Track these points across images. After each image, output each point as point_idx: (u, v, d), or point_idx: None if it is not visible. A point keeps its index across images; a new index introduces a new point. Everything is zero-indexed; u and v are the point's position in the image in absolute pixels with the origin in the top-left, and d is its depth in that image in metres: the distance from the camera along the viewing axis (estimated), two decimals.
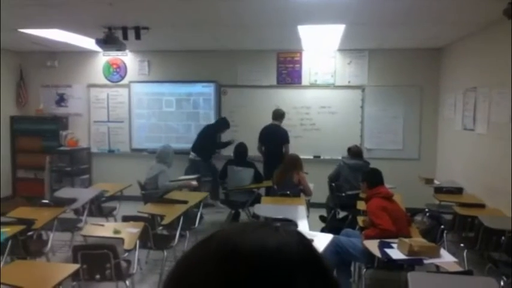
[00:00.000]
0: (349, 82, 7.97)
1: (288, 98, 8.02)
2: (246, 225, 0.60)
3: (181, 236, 4.97)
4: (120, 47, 6.20)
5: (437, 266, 3.60)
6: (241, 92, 8.17)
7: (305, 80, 8.07)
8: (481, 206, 5.11)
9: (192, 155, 7.48)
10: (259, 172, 6.75)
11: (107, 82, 8.53)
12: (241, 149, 6.90)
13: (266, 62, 8.10)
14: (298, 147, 7.41)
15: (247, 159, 6.80)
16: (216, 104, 8.24)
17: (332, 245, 4.10)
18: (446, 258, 3.64)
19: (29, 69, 8.61)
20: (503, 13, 4.44)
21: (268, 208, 5.25)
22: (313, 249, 0.59)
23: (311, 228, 4.72)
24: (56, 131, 8.37)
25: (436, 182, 6.58)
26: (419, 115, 7.84)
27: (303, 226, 4.51)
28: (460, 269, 3.52)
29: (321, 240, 3.99)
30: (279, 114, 7.37)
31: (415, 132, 7.85)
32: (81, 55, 8.37)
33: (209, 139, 7.53)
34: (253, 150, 7.37)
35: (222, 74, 8.20)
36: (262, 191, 6.79)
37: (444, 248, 4.10)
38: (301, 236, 0.60)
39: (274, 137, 7.17)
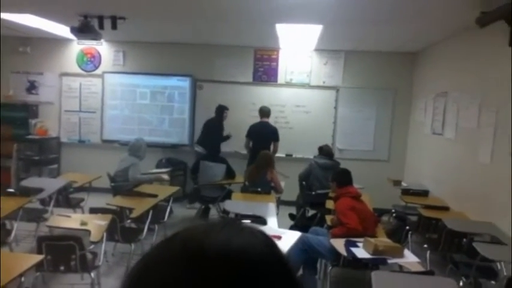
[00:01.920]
0: (324, 82, 8.05)
1: (264, 96, 8.04)
2: (211, 225, 0.60)
3: (149, 229, 4.94)
4: (96, 36, 6.10)
5: (400, 266, 3.69)
6: (217, 88, 8.15)
7: (281, 79, 8.11)
8: (445, 208, 5.24)
9: (200, 148, 7.27)
10: (232, 168, 6.75)
11: (80, 71, 8.38)
12: (214, 144, 6.89)
13: (243, 58, 8.11)
14: None
15: (219, 155, 6.80)
16: (191, 98, 8.20)
17: (300, 243, 4.14)
18: (409, 258, 3.74)
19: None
20: (476, 22, 4.57)
21: (238, 204, 5.26)
22: (277, 251, 0.59)
23: (280, 225, 4.75)
24: (25, 119, 8.18)
25: (404, 184, 6.70)
26: (391, 118, 7.98)
27: (272, 223, 4.55)
28: (422, 269, 3.61)
29: (289, 238, 4.04)
30: (266, 112, 7.35)
31: (386, 134, 8.00)
32: (55, 42, 8.19)
33: (218, 131, 7.34)
34: (229, 146, 7.40)
35: (198, 68, 8.16)
36: (236, 187, 6.77)
37: (408, 249, 4.20)
38: (265, 237, 0.60)
39: (265, 134, 7.14)
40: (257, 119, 7.37)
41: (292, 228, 5.85)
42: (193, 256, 0.53)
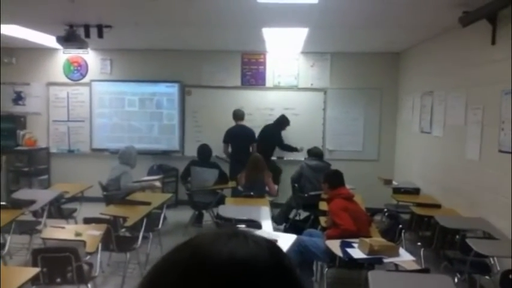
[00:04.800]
0: (311, 84, 8.10)
1: (252, 99, 8.08)
2: (218, 234, 0.62)
3: (144, 237, 4.92)
4: (82, 45, 6.07)
5: (396, 265, 3.73)
6: (205, 93, 8.16)
7: (269, 82, 8.14)
8: (437, 206, 5.30)
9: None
10: (224, 173, 6.75)
11: (67, 80, 8.33)
12: (204, 149, 6.87)
13: (230, 63, 8.13)
14: None
15: (210, 160, 6.80)
16: (180, 104, 8.19)
17: (295, 245, 4.16)
18: (404, 257, 3.78)
19: None
20: (459, 21, 4.65)
21: (232, 209, 5.26)
22: (282, 260, 0.61)
23: (274, 228, 4.77)
24: (13, 130, 8.10)
25: (395, 182, 6.76)
26: (379, 117, 8.05)
27: (267, 227, 4.56)
28: (417, 267, 3.66)
29: (285, 241, 4.06)
30: (240, 114, 7.42)
31: (375, 134, 8.07)
32: (41, 52, 8.13)
33: (273, 138, 7.46)
34: (217, 151, 7.40)
35: (186, 74, 8.16)
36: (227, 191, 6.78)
37: (402, 247, 4.24)
38: (271, 246, 0.62)
39: (243, 137, 7.21)
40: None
41: (286, 230, 5.87)
42: (200, 265, 0.56)
